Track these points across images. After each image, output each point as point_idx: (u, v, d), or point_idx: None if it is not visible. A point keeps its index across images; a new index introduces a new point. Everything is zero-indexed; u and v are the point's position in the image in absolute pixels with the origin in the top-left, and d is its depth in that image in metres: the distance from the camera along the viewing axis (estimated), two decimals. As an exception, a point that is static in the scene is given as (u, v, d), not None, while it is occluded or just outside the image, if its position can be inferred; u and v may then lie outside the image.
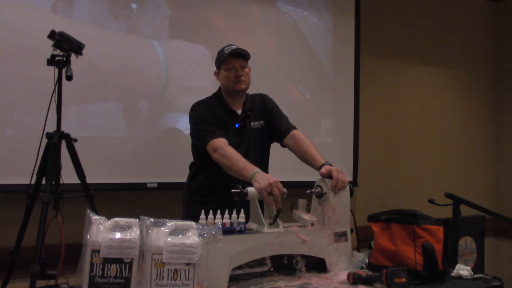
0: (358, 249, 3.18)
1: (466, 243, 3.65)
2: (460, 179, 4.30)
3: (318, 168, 2.08)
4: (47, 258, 2.01)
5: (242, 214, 1.76)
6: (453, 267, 1.98)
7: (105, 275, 1.40)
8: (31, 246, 2.00)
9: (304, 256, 1.89)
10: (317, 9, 3.58)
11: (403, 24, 4.09)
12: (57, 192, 2.07)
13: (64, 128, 2.17)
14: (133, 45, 2.94)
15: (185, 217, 2.27)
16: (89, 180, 2.27)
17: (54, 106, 2.15)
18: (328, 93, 3.64)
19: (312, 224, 1.91)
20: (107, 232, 1.43)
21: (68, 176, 2.19)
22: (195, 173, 2.40)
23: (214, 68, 2.47)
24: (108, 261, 1.41)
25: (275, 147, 2.51)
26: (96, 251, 1.41)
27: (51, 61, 2.13)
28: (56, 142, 2.11)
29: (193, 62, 3.13)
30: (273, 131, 2.41)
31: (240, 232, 1.73)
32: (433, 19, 4.24)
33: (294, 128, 2.39)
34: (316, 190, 2.00)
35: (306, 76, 3.54)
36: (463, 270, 1.93)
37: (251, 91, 2.48)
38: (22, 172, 2.35)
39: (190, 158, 2.43)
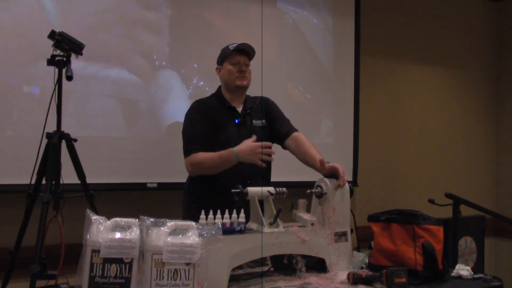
0: (358, 249, 3.18)
1: (466, 243, 3.65)
2: (460, 179, 4.30)
3: (318, 164, 2.08)
4: (47, 258, 2.01)
5: (242, 214, 1.76)
6: (453, 267, 1.98)
7: (105, 275, 1.40)
8: (31, 246, 2.00)
9: (304, 256, 1.89)
10: (317, 9, 3.58)
11: (403, 24, 4.09)
12: (57, 192, 2.07)
13: (64, 128, 2.17)
14: (133, 45, 2.94)
15: (185, 218, 2.27)
16: (89, 180, 2.27)
17: (54, 106, 2.14)
18: (328, 93, 3.64)
19: (312, 224, 1.91)
20: (107, 232, 1.43)
21: (68, 176, 2.19)
22: None
23: (213, 68, 2.47)
24: (108, 261, 1.41)
25: (275, 147, 2.50)
26: (96, 251, 1.41)
27: (51, 61, 2.13)
28: (56, 142, 2.10)
29: (193, 62, 3.13)
30: (274, 133, 2.41)
31: (240, 232, 1.73)
32: (433, 19, 4.24)
33: (296, 130, 2.39)
34: (316, 190, 2.00)
35: (306, 76, 3.54)
36: (463, 270, 1.93)
37: (251, 92, 2.48)
38: (22, 172, 2.35)
39: (190, 158, 2.42)
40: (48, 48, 2.15)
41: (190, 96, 3.06)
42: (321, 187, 1.99)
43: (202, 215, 1.72)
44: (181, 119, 2.42)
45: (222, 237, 1.59)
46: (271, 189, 1.87)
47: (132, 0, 2.95)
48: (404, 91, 4.09)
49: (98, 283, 1.40)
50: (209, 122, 2.31)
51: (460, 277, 1.92)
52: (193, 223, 1.52)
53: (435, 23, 4.25)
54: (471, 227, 3.65)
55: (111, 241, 1.42)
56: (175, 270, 1.43)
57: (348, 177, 2.78)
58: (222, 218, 1.72)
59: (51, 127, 2.15)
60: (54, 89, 2.14)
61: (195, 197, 2.38)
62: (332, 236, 1.94)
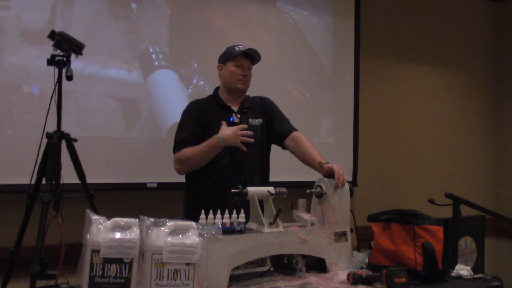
0: (358, 249, 3.18)
1: (466, 243, 3.65)
2: (460, 179, 4.30)
3: (317, 165, 2.09)
4: (47, 258, 2.01)
5: (242, 214, 1.76)
6: (453, 267, 1.98)
7: (105, 275, 1.40)
8: (31, 246, 2.00)
9: (304, 256, 1.89)
10: (317, 9, 3.58)
11: (403, 24, 4.09)
12: (57, 192, 2.07)
13: (64, 128, 2.17)
14: (133, 45, 2.94)
15: (185, 218, 2.28)
16: (89, 180, 2.27)
17: (54, 106, 2.14)
18: (328, 93, 3.64)
19: (312, 224, 1.91)
20: (107, 232, 1.43)
21: (68, 176, 2.19)
22: (193, 172, 2.40)
23: (213, 68, 2.47)
24: (108, 261, 1.41)
25: (275, 147, 2.51)
26: (96, 251, 1.41)
27: (51, 61, 2.13)
28: (56, 142, 2.10)
29: (193, 62, 3.13)
30: (274, 132, 2.41)
31: (240, 232, 1.73)
32: (433, 19, 4.24)
33: (295, 129, 2.40)
34: (316, 190, 2.00)
35: (306, 76, 3.54)
36: (463, 270, 1.93)
37: (251, 91, 2.48)
38: (22, 172, 2.35)
39: (190, 158, 2.42)
40: (48, 48, 2.15)
41: (190, 96, 3.06)
42: (321, 187, 1.99)
43: (202, 215, 1.72)
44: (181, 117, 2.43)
45: (222, 237, 1.59)
46: (271, 189, 1.87)
47: (132, 0, 2.95)
48: (404, 91, 4.09)
49: (98, 283, 1.40)
50: (201, 123, 2.33)
51: (460, 277, 1.92)
52: (193, 223, 1.52)
53: (435, 23, 4.25)
54: (471, 227, 3.65)
55: (111, 241, 1.42)
56: (175, 270, 1.43)
57: (348, 177, 2.78)
58: (222, 218, 1.72)
59: (51, 127, 2.15)
60: (54, 89, 2.14)
61: (193, 197, 2.38)
62: (332, 236, 1.94)
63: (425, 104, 4.19)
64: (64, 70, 2.11)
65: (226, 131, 2.23)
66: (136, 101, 2.95)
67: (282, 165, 2.78)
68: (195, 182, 2.36)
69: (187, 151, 2.28)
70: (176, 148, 2.32)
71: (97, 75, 2.83)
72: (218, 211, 1.73)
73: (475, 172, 4.42)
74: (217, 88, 2.47)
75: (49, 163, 2.08)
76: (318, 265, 1.92)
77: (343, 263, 1.95)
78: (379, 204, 3.84)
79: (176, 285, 1.42)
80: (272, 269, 1.98)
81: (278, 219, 1.83)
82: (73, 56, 2.17)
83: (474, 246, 3.70)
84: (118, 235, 1.43)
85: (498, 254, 4.45)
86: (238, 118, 2.37)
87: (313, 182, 2.04)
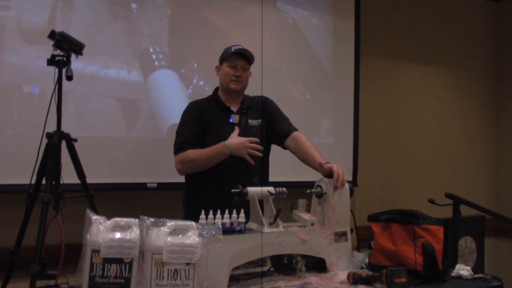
0: (358, 249, 3.18)
1: (466, 243, 3.65)
2: (460, 179, 4.30)
3: (317, 166, 2.09)
4: (47, 258, 2.01)
5: (242, 214, 1.76)
6: (453, 267, 1.98)
7: (105, 275, 1.40)
8: (31, 246, 2.00)
9: (304, 256, 1.89)
10: (317, 9, 3.58)
11: (403, 24, 4.09)
12: (57, 192, 2.07)
13: (64, 128, 2.17)
14: (133, 45, 2.94)
15: (185, 218, 2.28)
16: (89, 180, 2.27)
17: (54, 106, 2.14)
18: (328, 93, 3.64)
19: (312, 224, 1.91)
20: (107, 232, 1.43)
21: (68, 176, 2.19)
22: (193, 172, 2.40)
23: (213, 68, 2.48)
24: (108, 261, 1.41)
25: (275, 147, 2.51)
26: (96, 251, 1.40)
27: (51, 61, 2.13)
28: (56, 142, 2.10)
29: (193, 62, 3.13)
30: (274, 132, 2.41)
31: (240, 232, 1.73)
32: (433, 19, 4.24)
33: (295, 129, 2.39)
34: (316, 190, 2.00)
35: (306, 76, 3.54)
36: (463, 270, 1.93)
37: (251, 91, 2.48)
38: (22, 172, 2.35)
39: (190, 158, 2.42)
40: (48, 48, 2.15)
41: (190, 96, 3.06)
42: (321, 187, 1.99)
43: (202, 215, 1.72)
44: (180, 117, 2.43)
45: (222, 237, 1.59)
46: (271, 189, 1.87)
47: (132, 0, 2.95)
48: (404, 91, 4.09)
49: (98, 283, 1.40)
50: (200, 123, 2.34)
51: (460, 277, 1.92)
52: (193, 223, 1.52)
53: (435, 23, 4.25)
54: (471, 227, 3.65)
55: (111, 241, 1.42)
56: (175, 270, 1.43)
57: (348, 177, 2.78)
58: (222, 218, 1.72)
59: (51, 127, 2.15)
60: (54, 89, 2.14)
61: (192, 196, 2.39)
62: (332, 236, 1.94)
63: (425, 104, 4.19)
64: (64, 70, 2.11)
65: (234, 140, 2.22)
66: (136, 101, 2.95)
67: (282, 165, 2.78)
68: (195, 182, 2.36)
69: (191, 153, 2.27)
70: (179, 149, 2.31)
71: (97, 75, 2.83)
72: (218, 211, 1.73)
73: (475, 172, 4.43)
74: (217, 89, 2.47)
75: (49, 163, 2.08)
76: (318, 265, 1.92)
77: (343, 263, 1.95)
78: (379, 204, 3.84)
79: (176, 285, 1.42)
80: (272, 269, 1.98)
81: (278, 219, 1.83)
82: (73, 56, 2.17)
83: (474, 246, 3.70)
84: (118, 235, 1.43)
85: (498, 254, 4.45)
86: (237, 119, 2.36)
87: (313, 182, 2.04)
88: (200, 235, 1.48)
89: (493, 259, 4.43)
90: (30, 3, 2.69)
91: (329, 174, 2.02)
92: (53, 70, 2.14)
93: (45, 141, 2.14)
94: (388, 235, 1.94)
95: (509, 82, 4.48)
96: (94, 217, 1.46)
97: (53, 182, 2.06)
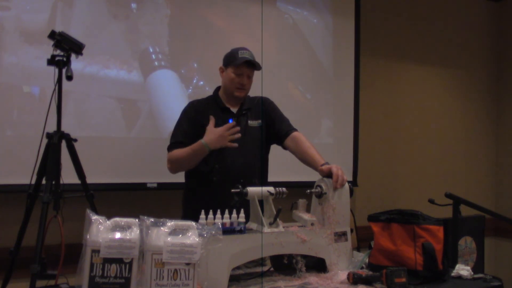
0: (358, 249, 3.18)
1: (466, 243, 3.65)
2: (460, 179, 4.30)
3: (318, 169, 2.09)
4: (47, 258, 2.01)
5: (242, 214, 1.76)
6: (453, 267, 1.98)
7: (105, 275, 1.40)
8: (31, 246, 2.00)
9: (304, 256, 1.89)
10: (317, 9, 3.58)
11: (403, 24, 4.09)
12: (57, 192, 2.07)
13: (64, 128, 2.17)
14: (133, 45, 2.94)
15: (184, 217, 2.28)
16: (89, 180, 2.27)
17: (54, 106, 2.14)
18: (328, 93, 3.64)
19: (312, 224, 1.91)
20: (107, 232, 1.43)
21: (68, 176, 2.19)
22: (192, 171, 2.41)
23: (213, 68, 2.47)
24: (108, 261, 1.41)
25: (275, 147, 2.51)
26: (96, 251, 1.40)
27: (51, 61, 2.13)
28: (56, 142, 2.10)
29: (193, 62, 3.13)
30: (274, 133, 2.41)
31: (240, 232, 1.73)
32: (433, 19, 4.24)
33: (295, 130, 2.39)
34: (316, 190, 2.00)
35: (306, 76, 3.54)
36: (463, 270, 1.93)
37: (251, 91, 2.48)
38: (22, 172, 2.35)
39: (190, 158, 2.43)
40: (48, 48, 2.15)
41: (190, 96, 3.06)
42: (321, 187, 1.99)
43: (202, 215, 1.72)
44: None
45: (222, 237, 1.58)
46: (271, 189, 1.87)
47: (132, 0, 2.95)
48: (404, 91, 4.09)
49: (98, 283, 1.40)
50: (197, 124, 2.34)
51: (460, 277, 1.92)
52: (193, 223, 1.52)
53: (435, 23, 4.25)
54: (471, 227, 3.65)
55: (111, 241, 1.42)
56: (175, 270, 1.43)
57: (348, 177, 2.78)
58: (222, 218, 1.72)
59: (51, 127, 2.15)
60: (54, 89, 2.14)
61: (192, 196, 2.39)
62: (332, 236, 1.94)
63: (425, 104, 4.19)
64: (64, 70, 2.11)
65: (210, 136, 2.22)
66: (136, 101, 2.95)
67: (282, 165, 2.78)
68: (195, 182, 2.36)
69: (177, 152, 2.30)
70: (169, 149, 2.35)
71: (97, 75, 2.83)
72: (218, 211, 1.73)
73: (475, 172, 4.42)
74: (218, 88, 2.47)
75: (49, 163, 2.08)
76: (318, 265, 1.92)
77: (343, 263, 1.95)
78: (379, 204, 3.84)
79: (176, 285, 1.42)
80: (272, 269, 1.98)
81: (278, 219, 1.83)
82: (73, 56, 2.17)
83: (474, 246, 3.70)
84: (118, 235, 1.43)
85: (498, 254, 4.45)
86: (236, 120, 2.36)
87: (313, 182, 2.04)
88: (200, 235, 1.48)
89: (493, 259, 4.43)
90: (30, 3, 2.69)
91: (328, 175, 2.02)
92: (53, 70, 2.14)
93: (45, 141, 2.14)
94: (388, 235, 1.94)
95: (509, 82, 4.48)
96: (94, 217, 1.46)
97: (53, 182, 2.06)
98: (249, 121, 2.39)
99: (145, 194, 2.99)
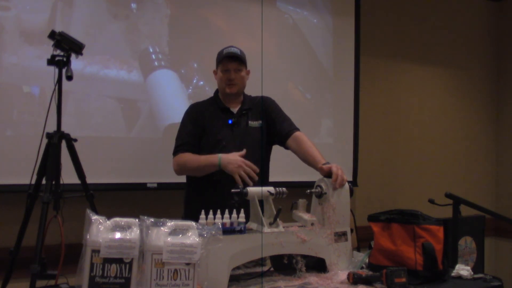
0: (358, 249, 3.18)
1: (466, 243, 3.65)
2: (460, 179, 4.30)
3: (318, 168, 2.09)
4: (47, 258, 2.01)
5: (242, 214, 1.76)
6: (453, 267, 1.98)
7: (105, 275, 1.40)
8: (31, 246, 2.00)
9: (304, 256, 1.89)
10: (317, 9, 3.58)
11: (403, 24, 4.09)
12: (57, 192, 2.07)
13: (64, 128, 2.17)
14: (133, 45, 2.94)
15: (185, 217, 2.28)
16: (89, 180, 2.27)
17: (54, 106, 2.14)
18: (328, 93, 3.64)
19: (312, 224, 1.91)
20: (107, 232, 1.43)
21: (68, 176, 2.19)
22: None
23: (213, 68, 2.48)
24: (108, 261, 1.41)
25: (275, 147, 2.51)
26: (96, 251, 1.40)
27: (51, 61, 2.13)
28: (56, 142, 2.10)
29: (193, 62, 3.13)
30: (276, 133, 2.41)
31: (240, 232, 1.73)
32: (433, 19, 4.24)
33: (297, 129, 2.39)
34: (316, 190, 2.00)
35: (306, 76, 3.54)
36: (463, 270, 1.93)
37: (251, 91, 2.48)
38: (22, 172, 2.35)
39: (190, 158, 2.43)
40: (48, 48, 2.15)
41: (190, 96, 3.06)
42: (321, 187, 1.99)
43: (202, 215, 1.72)
44: (181, 119, 2.44)
45: (222, 237, 1.59)
46: (271, 189, 1.87)
47: (132, 0, 2.95)
48: (404, 91, 4.09)
49: (98, 283, 1.40)
50: (199, 125, 2.35)
51: (460, 277, 1.92)
52: (193, 223, 1.52)
53: (435, 23, 4.25)
54: (471, 227, 3.65)
55: (111, 241, 1.42)
56: (175, 270, 1.43)
57: (348, 177, 2.78)
58: (222, 218, 1.72)
59: (51, 127, 2.15)
60: (54, 89, 2.14)
61: (193, 196, 2.39)
62: (332, 236, 1.94)
63: (425, 104, 4.19)
64: (64, 70, 2.11)
65: (229, 157, 2.17)
66: (136, 101, 2.95)
67: (282, 165, 2.78)
68: (196, 182, 2.36)
69: (186, 157, 2.29)
70: (176, 151, 2.34)
71: (97, 75, 2.83)
72: (218, 211, 1.73)
73: (475, 172, 4.42)
74: (218, 90, 2.47)
75: (49, 163, 2.08)
76: (318, 265, 1.92)
77: (343, 263, 1.95)
78: (379, 204, 3.84)
79: (176, 285, 1.43)
80: (272, 269, 1.98)
81: (278, 219, 1.83)
82: (73, 56, 2.17)
83: (474, 246, 3.70)
84: (118, 235, 1.43)
85: (498, 254, 4.45)
86: (236, 120, 2.36)
87: (313, 182, 2.04)
88: (200, 235, 1.48)
89: (493, 259, 4.42)
90: (30, 3, 2.69)
91: (328, 174, 2.02)
92: (53, 70, 2.14)
93: (45, 141, 2.14)
94: (388, 235, 1.94)
95: (509, 82, 4.48)
96: (94, 217, 1.46)
97: (53, 182, 2.06)
98: (249, 121, 2.39)
99: (145, 194, 2.99)
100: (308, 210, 2.03)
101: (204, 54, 3.11)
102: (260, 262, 1.91)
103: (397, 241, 1.91)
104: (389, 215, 1.97)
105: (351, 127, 3.70)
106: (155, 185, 2.93)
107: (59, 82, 2.14)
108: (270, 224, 1.82)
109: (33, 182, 2.16)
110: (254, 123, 2.39)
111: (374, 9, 3.92)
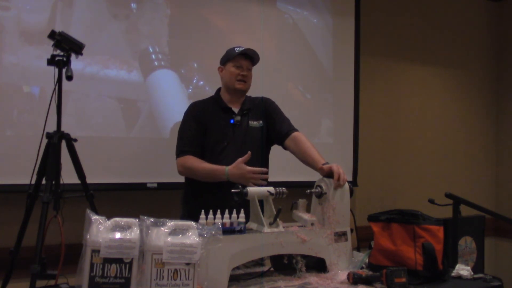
0: (358, 249, 3.18)
1: (466, 243, 3.65)
2: (460, 179, 4.30)
3: (318, 168, 2.09)
4: (47, 258, 2.01)
5: (242, 214, 1.76)
6: (453, 267, 1.98)
7: (105, 275, 1.40)
8: (31, 246, 2.00)
9: (304, 256, 1.89)
10: (317, 9, 3.58)
11: (403, 24, 4.09)
12: (57, 192, 2.07)
13: (64, 128, 2.17)
14: (133, 45, 2.94)
15: (183, 217, 2.28)
16: (89, 180, 2.27)
17: (54, 106, 2.14)
18: (328, 93, 3.64)
19: (312, 224, 1.92)
20: (107, 232, 1.43)
21: (68, 176, 2.19)
22: None
23: (213, 68, 2.48)
24: (108, 261, 1.41)
25: (275, 147, 2.51)
26: (96, 251, 1.41)
27: (51, 61, 2.13)
28: (56, 142, 2.10)
29: (193, 62, 3.13)
30: (275, 133, 2.42)
31: (240, 232, 1.73)
32: (433, 19, 4.24)
33: (296, 130, 2.40)
34: (316, 190, 2.00)
35: (306, 76, 3.54)
36: (463, 270, 1.93)
37: (251, 91, 2.48)
38: (22, 172, 2.35)
39: (190, 158, 2.43)
40: (48, 48, 2.15)
41: (190, 96, 3.06)
42: (321, 187, 1.99)
43: (202, 215, 1.72)
44: (181, 119, 2.43)
45: (222, 237, 1.59)
46: (271, 189, 1.87)
47: (132, 0, 2.95)
48: (404, 91, 4.09)
49: (98, 283, 1.40)
50: (202, 124, 2.34)
51: (460, 277, 1.92)
52: (193, 223, 1.52)
53: (435, 23, 4.25)
54: (471, 227, 3.65)
55: (111, 241, 1.42)
56: (175, 270, 1.43)
57: (348, 177, 2.78)
58: (222, 218, 1.72)
59: (51, 127, 2.15)
60: (54, 89, 2.14)
61: (191, 196, 2.39)
62: (332, 236, 1.94)
63: (425, 104, 4.19)
64: (64, 70, 2.11)
65: (234, 170, 2.15)
66: (136, 101, 2.95)
67: (282, 165, 2.78)
68: (195, 182, 2.36)
69: (193, 161, 2.28)
70: (181, 152, 2.32)
71: (97, 75, 2.83)
72: (218, 211, 1.73)
73: (475, 172, 4.42)
74: (219, 89, 2.48)
75: (49, 163, 2.08)
76: (318, 265, 1.92)
77: (343, 263, 1.95)
78: (379, 204, 3.84)
79: (176, 285, 1.43)
80: (272, 269, 1.98)
81: (278, 219, 1.83)
82: (73, 56, 2.17)
83: (474, 246, 3.69)
84: (118, 235, 1.43)
85: (498, 254, 4.45)
86: (238, 120, 2.37)
87: (313, 182, 2.04)
88: (200, 235, 1.49)
89: (493, 259, 4.42)
90: (30, 3, 2.69)
91: (329, 174, 2.02)
92: (53, 70, 2.14)
93: (45, 141, 2.14)
94: (388, 235, 1.94)
95: (509, 82, 4.48)
96: (94, 217, 1.46)
97: (53, 182, 2.06)
98: (250, 121, 2.39)
99: (145, 194, 2.99)
100: (308, 210, 2.03)
101: (204, 54, 3.12)
102: (260, 262, 1.91)
103: (397, 241, 1.91)
104: (389, 215, 1.97)
105: (351, 127, 3.70)
106: (155, 185, 2.93)
107: (59, 82, 2.14)
108: (270, 224, 1.82)
109: (33, 182, 2.16)
110: (254, 123, 2.40)
111: (374, 9, 3.92)
